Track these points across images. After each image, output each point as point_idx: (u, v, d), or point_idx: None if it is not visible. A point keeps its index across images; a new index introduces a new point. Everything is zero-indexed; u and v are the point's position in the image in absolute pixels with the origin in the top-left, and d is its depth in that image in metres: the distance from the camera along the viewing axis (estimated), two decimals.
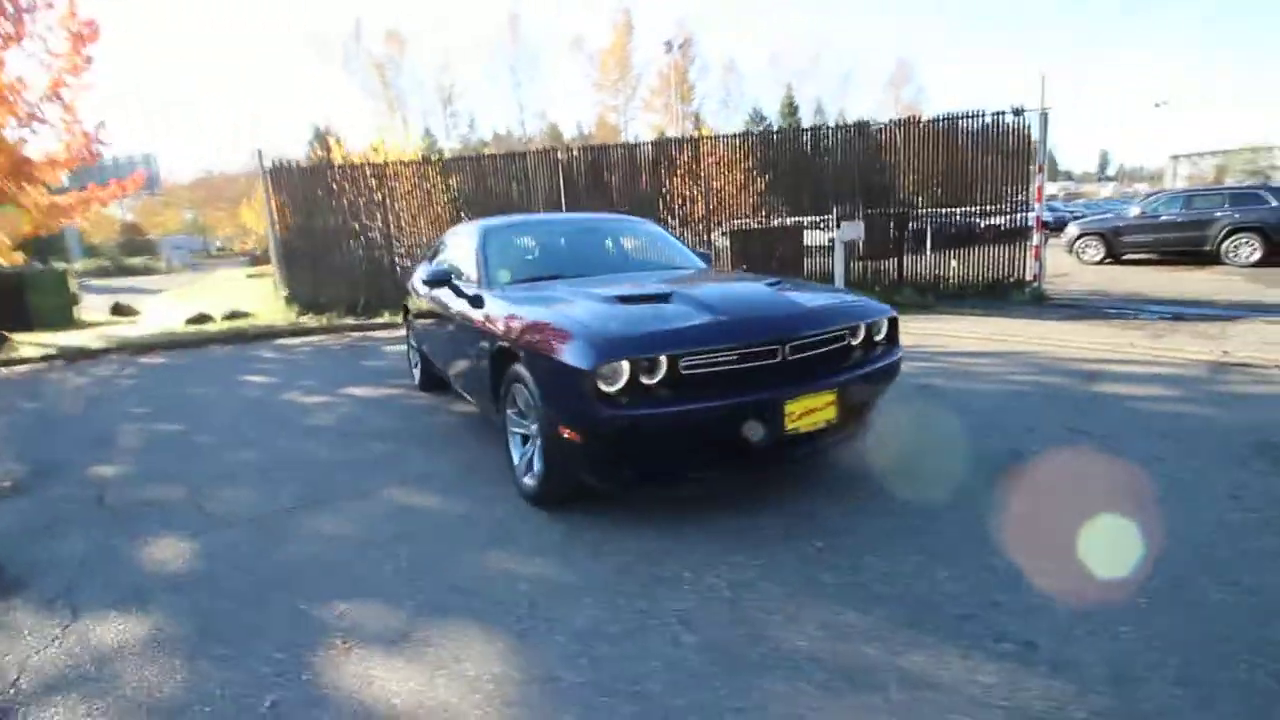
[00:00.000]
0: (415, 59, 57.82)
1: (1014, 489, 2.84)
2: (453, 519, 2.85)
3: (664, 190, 10.12)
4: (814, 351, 2.63)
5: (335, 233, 10.62)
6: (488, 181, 10.74)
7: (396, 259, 10.65)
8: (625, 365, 2.37)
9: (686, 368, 2.42)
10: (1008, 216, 8.96)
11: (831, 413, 2.60)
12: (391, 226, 10.59)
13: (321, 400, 5.29)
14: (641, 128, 42.87)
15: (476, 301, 3.40)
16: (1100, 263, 13.23)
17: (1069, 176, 67.17)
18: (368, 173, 10.68)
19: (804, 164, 9.98)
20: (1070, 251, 13.97)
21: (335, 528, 2.84)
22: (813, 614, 2.00)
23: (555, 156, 10.54)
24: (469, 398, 3.89)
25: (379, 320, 9.59)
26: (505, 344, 2.90)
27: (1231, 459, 3.02)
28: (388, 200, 10.56)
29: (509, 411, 3.04)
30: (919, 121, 9.30)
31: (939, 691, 1.68)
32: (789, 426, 2.48)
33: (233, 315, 10.42)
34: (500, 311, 3.09)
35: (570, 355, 2.43)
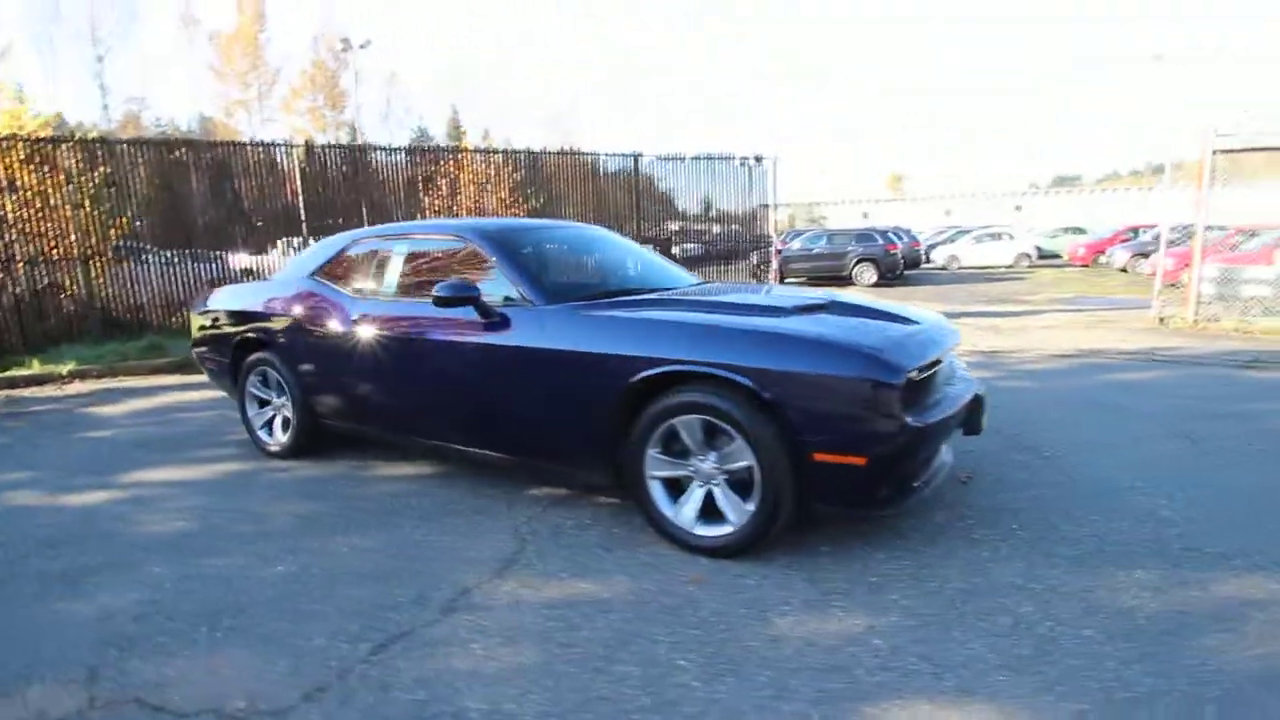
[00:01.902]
0: None
1: None
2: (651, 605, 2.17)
3: (422, 206, 9.31)
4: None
5: None
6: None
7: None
8: (915, 375, 2.19)
9: (921, 376, 2.35)
10: (748, 242, 10.78)
11: None
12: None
13: (109, 498, 3.36)
14: (281, 130, 37.29)
15: (539, 324, 2.70)
16: (780, 282, 16.68)
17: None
18: None
19: (587, 187, 10.21)
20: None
21: None
22: None
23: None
24: (494, 451, 2.98)
25: (20, 372, 6.37)
26: (668, 369, 2.36)
27: None
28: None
29: (654, 453, 2.47)
30: (683, 159, 10.42)
31: None
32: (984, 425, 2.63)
33: None
34: (639, 332, 2.52)
35: (867, 369, 2.14)
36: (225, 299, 4.17)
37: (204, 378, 4.76)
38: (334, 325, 3.41)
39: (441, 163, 9.77)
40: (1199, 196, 8.00)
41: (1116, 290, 12.79)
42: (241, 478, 3.57)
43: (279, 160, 8.65)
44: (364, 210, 9.19)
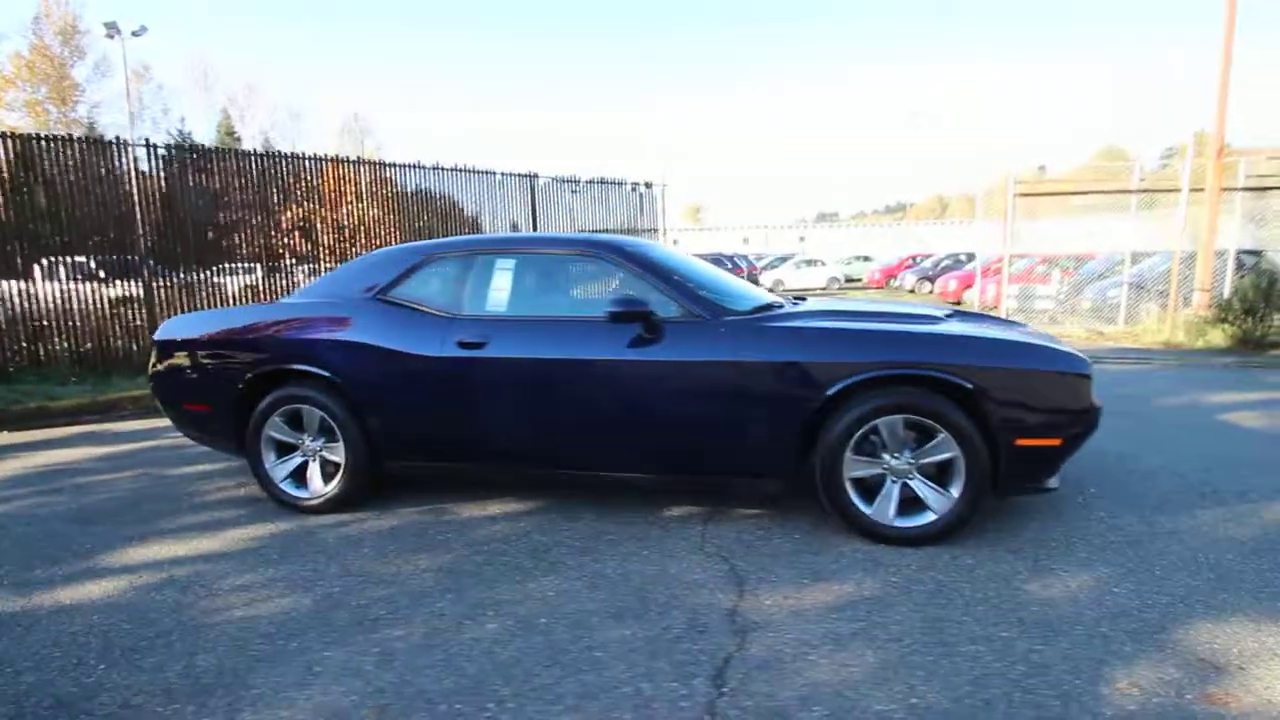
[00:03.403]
0: None
1: None
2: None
3: (278, 222, 8.36)
4: None
5: None
6: None
7: None
8: None
9: None
10: None
11: None
12: None
13: (129, 588, 2.58)
14: None
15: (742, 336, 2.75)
16: None
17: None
18: None
19: (483, 205, 9.78)
20: None
21: None
22: None
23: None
24: (652, 472, 2.89)
25: None
26: (882, 371, 2.55)
27: None
28: None
29: (850, 455, 2.63)
30: (578, 182, 10.50)
31: None
32: None
33: None
34: (844, 340, 2.68)
35: (1061, 363, 2.52)
36: (218, 326, 3.40)
37: (52, 431, 3.80)
38: (422, 350, 3.01)
39: (303, 174, 8.72)
40: (1005, 229, 10.06)
41: None
42: (291, 540, 2.95)
43: (116, 162, 7.04)
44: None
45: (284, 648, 2.12)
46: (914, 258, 22.30)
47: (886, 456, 2.67)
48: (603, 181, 10.62)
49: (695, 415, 2.78)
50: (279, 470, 3.27)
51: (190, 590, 2.53)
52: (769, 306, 3.07)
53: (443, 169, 9.51)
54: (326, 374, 3.11)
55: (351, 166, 9.02)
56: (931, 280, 18.41)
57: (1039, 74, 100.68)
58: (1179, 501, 3.07)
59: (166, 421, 5.34)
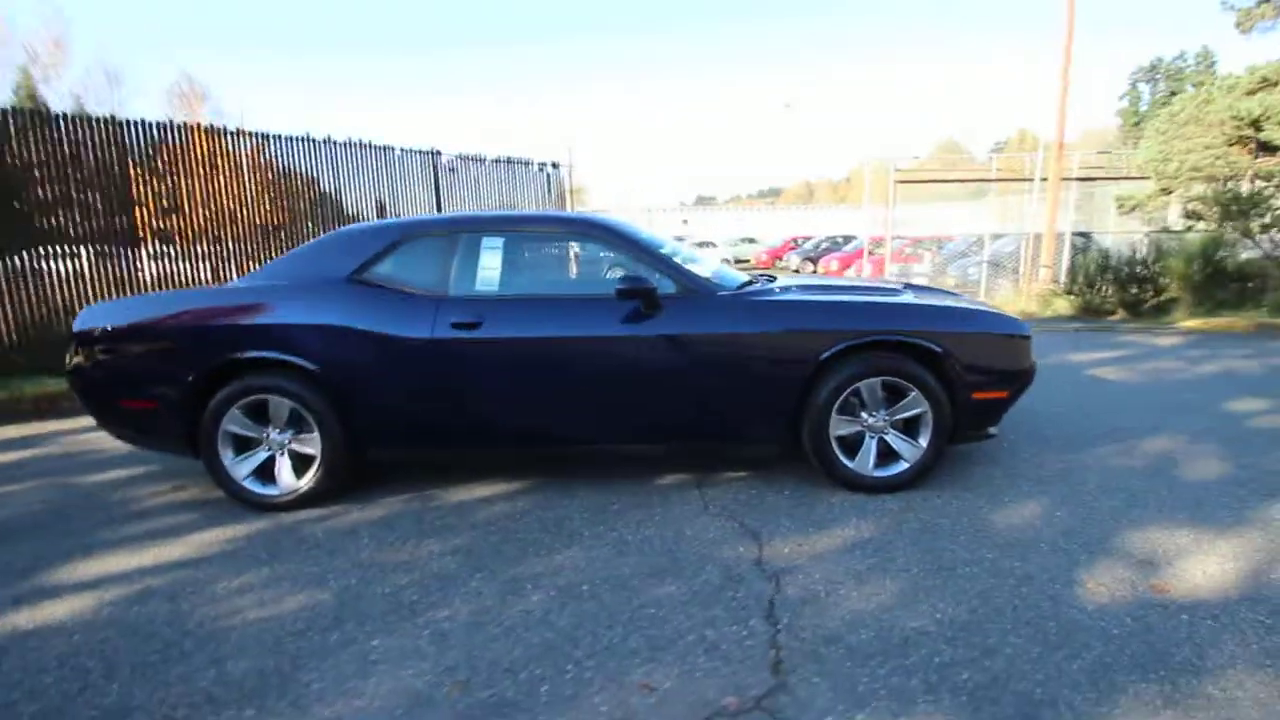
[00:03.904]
0: None
1: None
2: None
3: (140, 200, 7.41)
4: None
5: None
6: None
7: None
8: None
9: None
10: None
11: None
12: None
13: (111, 601, 2.31)
14: None
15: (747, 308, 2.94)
16: None
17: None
18: None
19: (381, 183, 9.19)
20: None
21: None
22: None
23: None
24: (652, 440, 3.04)
25: None
26: (865, 339, 2.84)
27: None
28: None
29: (836, 416, 2.90)
30: (484, 160, 10.14)
31: None
32: None
33: None
34: (834, 312, 2.95)
35: (1010, 327, 2.93)
36: (157, 313, 3.05)
37: None
38: (412, 333, 2.90)
39: (167, 145, 7.77)
40: (887, 213, 11.05)
41: None
42: (274, 539, 2.76)
43: None
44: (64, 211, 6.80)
45: (324, 641, 2.04)
46: (796, 240, 23.81)
47: (864, 415, 2.97)
48: (509, 161, 10.35)
49: (697, 386, 2.93)
50: (240, 468, 3.02)
51: (181, 599, 2.32)
52: (752, 282, 3.27)
53: (335, 143, 8.84)
54: (300, 362, 2.92)
55: (232, 138, 8.14)
56: (814, 261, 19.79)
57: (887, 74, 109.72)
58: (1081, 441, 3.67)
59: (34, 427, 4.71)
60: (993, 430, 3.13)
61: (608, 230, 3.11)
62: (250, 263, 8.05)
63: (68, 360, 3.13)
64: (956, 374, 2.89)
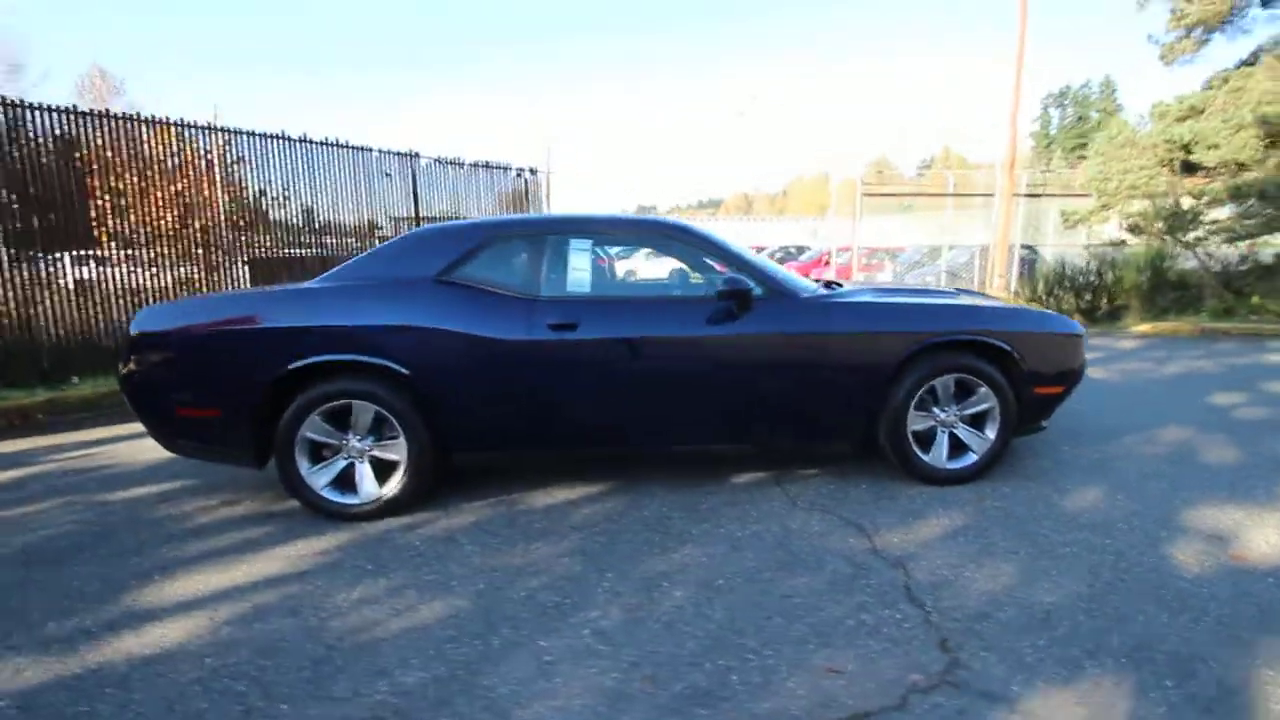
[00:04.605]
0: None
1: None
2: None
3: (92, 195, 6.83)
4: None
5: None
6: None
7: None
8: None
9: None
10: None
11: None
12: None
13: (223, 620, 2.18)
14: None
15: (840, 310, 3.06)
16: None
17: None
18: None
19: (359, 186, 8.87)
20: None
21: None
22: None
23: None
24: (741, 442, 3.12)
25: None
26: (944, 339, 3.02)
27: None
28: None
29: (913, 411, 3.07)
30: (462, 164, 9.95)
31: None
32: None
33: None
34: (914, 314, 3.11)
35: (1068, 327, 3.17)
36: (229, 313, 2.89)
37: None
38: (508, 334, 2.87)
39: (121, 139, 7.25)
40: (854, 224, 11.53)
41: None
42: (370, 549, 2.66)
43: None
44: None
45: (488, 648, 2.00)
46: (758, 249, 24.52)
47: (936, 410, 3.15)
48: (488, 165, 10.20)
49: (785, 385, 3.03)
50: (318, 477, 2.90)
51: (303, 614, 2.22)
52: (829, 285, 3.41)
53: (311, 143, 8.50)
54: (388, 364, 2.83)
55: (203, 133, 7.69)
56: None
57: (823, 89, 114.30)
58: (1105, 434, 3.99)
59: (10, 444, 4.34)
60: (1044, 423, 3.37)
61: (688, 233, 3.18)
62: (203, 272, 7.50)
63: (121, 366, 2.92)
64: (1022, 371, 3.11)
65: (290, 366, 2.81)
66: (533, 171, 10.80)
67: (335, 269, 3.14)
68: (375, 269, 3.04)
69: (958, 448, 3.18)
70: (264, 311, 2.90)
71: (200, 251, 7.64)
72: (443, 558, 2.59)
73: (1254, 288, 7.67)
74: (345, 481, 2.95)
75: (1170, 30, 9.90)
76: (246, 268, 8.21)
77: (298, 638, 2.09)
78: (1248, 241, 7.88)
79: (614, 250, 3.35)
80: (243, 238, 8.09)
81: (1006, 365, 3.11)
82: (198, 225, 7.59)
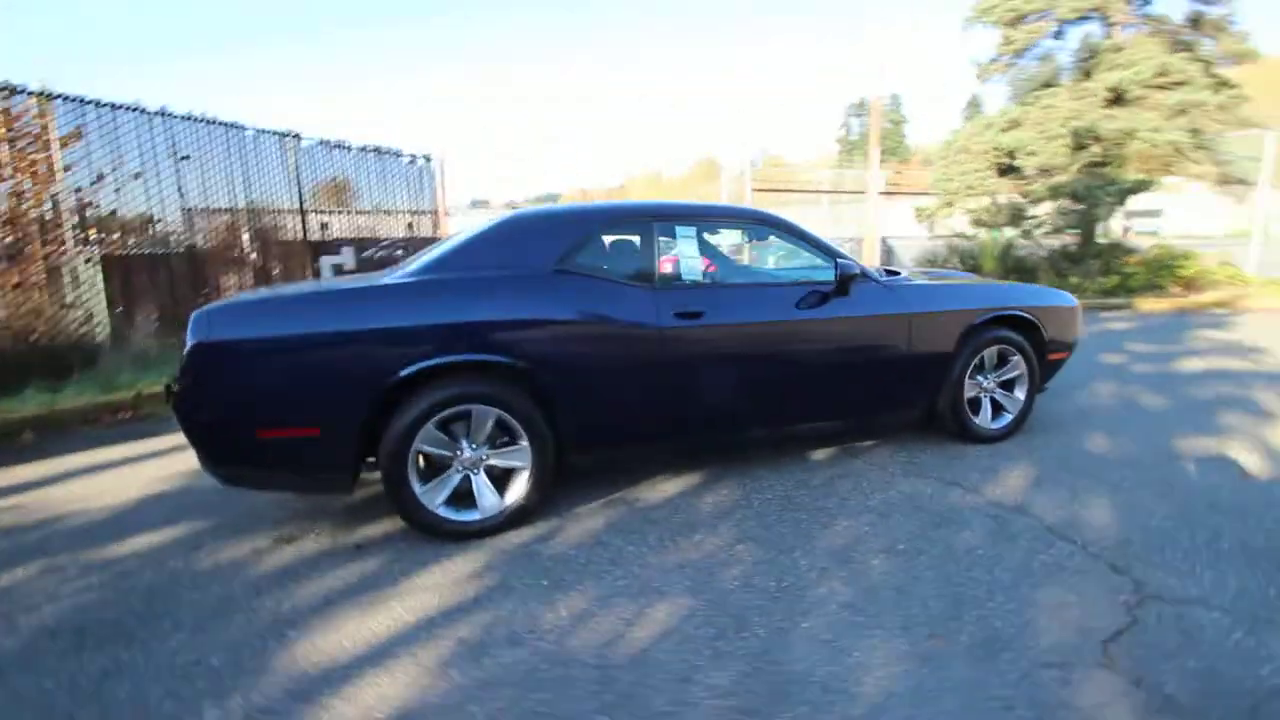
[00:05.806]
0: None
1: None
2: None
3: None
4: None
5: None
6: None
7: None
8: None
9: None
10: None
11: None
12: None
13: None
14: None
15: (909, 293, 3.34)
16: None
17: None
18: None
19: (232, 168, 7.60)
20: None
21: None
22: None
23: None
24: (837, 419, 3.30)
25: None
26: (992, 314, 3.44)
27: None
28: None
29: (969, 380, 3.47)
30: (350, 148, 8.94)
31: None
32: None
33: None
34: (967, 293, 3.52)
35: (1072, 301, 3.74)
36: (319, 313, 2.44)
37: None
38: (637, 325, 2.76)
39: None
40: None
41: None
42: (524, 563, 2.44)
43: None
44: None
45: (757, 638, 1.97)
46: None
47: (980, 378, 3.58)
48: (378, 150, 9.25)
49: (879, 362, 3.26)
50: (434, 494, 2.58)
51: (523, 644, 1.99)
52: (894, 273, 3.70)
53: (173, 117, 7.17)
54: (511, 362, 2.59)
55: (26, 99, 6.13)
56: None
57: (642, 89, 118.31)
58: (1081, 390, 4.73)
59: None
60: (1046, 385, 3.98)
61: (782, 223, 3.27)
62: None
63: (172, 384, 2.34)
64: (1043, 340, 3.65)
65: (403, 373, 2.46)
66: (427, 158, 10.04)
67: (423, 259, 2.78)
68: (477, 260, 2.74)
69: (996, 410, 3.65)
70: (366, 310, 2.50)
71: (32, 248, 6.15)
72: (615, 562, 2.45)
73: (1070, 270, 9.49)
74: (459, 497, 2.65)
75: (1000, 54, 11.89)
76: (97, 269, 6.76)
77: (553, 667, 1.88)
78: (1070, 232, 9.72)
79: (713, 239, 3.34)
80: (89, 232, 6.65)
81: (1033, 335, 3.64)
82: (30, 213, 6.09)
